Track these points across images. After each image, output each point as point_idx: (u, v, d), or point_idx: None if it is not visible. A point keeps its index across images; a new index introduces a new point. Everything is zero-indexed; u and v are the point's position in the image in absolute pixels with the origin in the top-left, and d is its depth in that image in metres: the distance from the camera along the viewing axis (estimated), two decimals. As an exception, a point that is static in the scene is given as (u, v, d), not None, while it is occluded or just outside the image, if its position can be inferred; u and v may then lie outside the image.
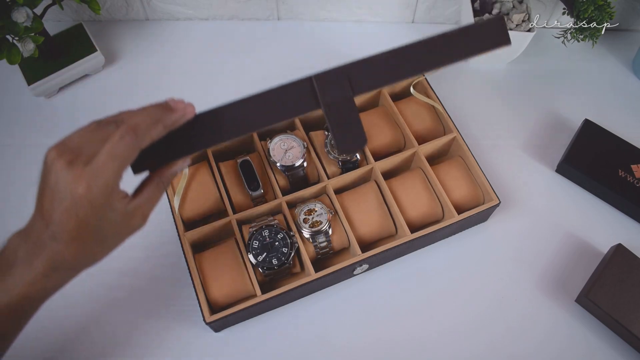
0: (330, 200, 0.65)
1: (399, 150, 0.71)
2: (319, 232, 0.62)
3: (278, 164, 0.65)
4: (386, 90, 0.71)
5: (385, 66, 0.51)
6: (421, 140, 0.69)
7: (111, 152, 0.37)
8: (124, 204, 0.39)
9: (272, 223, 0.62)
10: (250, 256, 0.60)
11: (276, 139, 0.66)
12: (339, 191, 0.67)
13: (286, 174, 0.65)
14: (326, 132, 0.68)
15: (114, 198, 0.38)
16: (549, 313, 0.65)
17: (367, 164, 0.67)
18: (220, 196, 0.65)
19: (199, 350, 0.62)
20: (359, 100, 0.71)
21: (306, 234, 0.62)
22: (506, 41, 0.50)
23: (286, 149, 0.66)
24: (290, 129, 0.69)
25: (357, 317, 0.64)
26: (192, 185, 0.65)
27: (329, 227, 0.63)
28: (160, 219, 0.68)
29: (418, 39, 0.49)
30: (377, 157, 0.68)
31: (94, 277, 0.66)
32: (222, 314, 0.57)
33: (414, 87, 0.72)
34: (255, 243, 0.61)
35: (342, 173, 0.67)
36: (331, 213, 0.63)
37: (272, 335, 0.63)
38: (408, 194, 0.66)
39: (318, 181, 0.67)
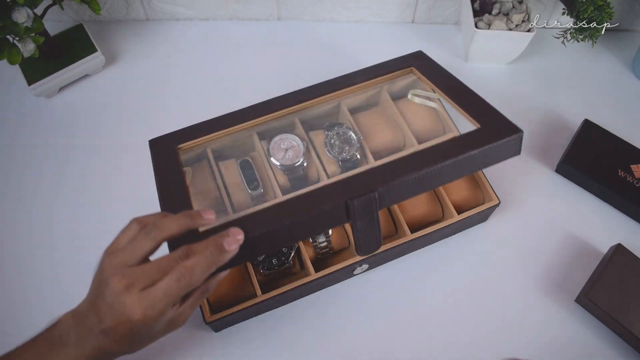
0: None
1: (399, 150, 0.71)
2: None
3: (278, 164, 0.65)
4: (386, 90, 0.71)
5: (412, 185, 0.56)
6: (421, 139, 0.69)
7: (167, 290, 0.41)
8: (171, 312, 0.43)
9: None
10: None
11: (276, 138, 0.66)
12: None
13: (286, 173, 0.66)
14: (326, 132, 0.68)
15: (165, 315, 0.42)
16: (549, 313, 0.65)
17: (367, 164, 0.67)
18: (220, 196, 0.65)
19: (199, 350, 0.62)
20: (358, 100, 0.71)
21: None
22: (518, 152, 0.57)
23: (286, 148, 0.66)
24: (290, 128, 0.69)
25: (357, 316, 0.64)
26: (191, 184, 0.65)
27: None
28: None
29: (444, 155, 0.53)
30: (377, 156, 0.68)
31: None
32: (222, 314, 0.58)
33: (412, 89, 0.72)
34: None
35: (341, 172, 0.67)
36: None
37: (272, 335, 0.63)
38: (410, 201, 0.66)
39: (318, 181, 0.67)
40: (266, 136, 0.68)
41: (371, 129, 0.70)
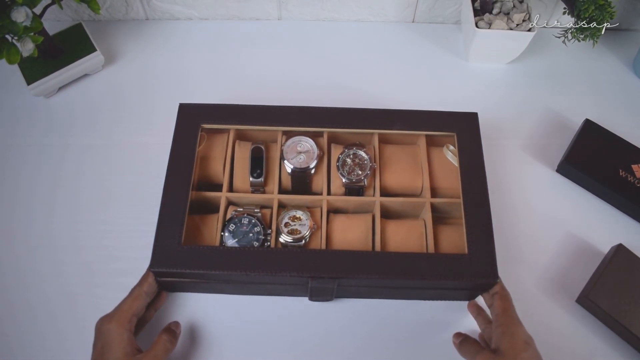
0: (321, 216, 0.64)
1: (412, 195, 0.67)
2: (294, 241, 0.61)
3: (288, 164, 0.65)
4: (424, 134, 0.68)
5: (369, 287, 0.61)
6: (437, 194, 0.66)
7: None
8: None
9: (255, 214, 0.62)
10: (223, 236, 0.61)
11: (295, 139, 0.66)
12: (335, 211, 0.66)
13: (291, 175, 0.65)
14: (344, 149, 0.66)
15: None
16: (549, 313, 0.65)
17: (374, 196, 0.65)
18: (223, 171, 0.66)
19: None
20: (395, 134, 0.69)
21: (282, 238, 0.61)
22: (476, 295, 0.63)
23: (300, 151, 0.66)
24: (315, 133, 0.67)
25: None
26: (202, 151, 0.67)
27: (306, 240, 0.62)
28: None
29: (417, 273, 0.57)
30: (387, 193, 0.66)
31: (97, 278, 0.66)
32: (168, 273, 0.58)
33: (447, 147, 0.68)
34: (232, 226, 0.61)
35: (345, 194, 0.66)
36: (314, 228, 0.62)
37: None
38: (397, 239, 0.63)
39: (321, 193, 0.66)
40: (288, 132, 0.68)
41: (393, 164, 0.67)
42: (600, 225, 0.71)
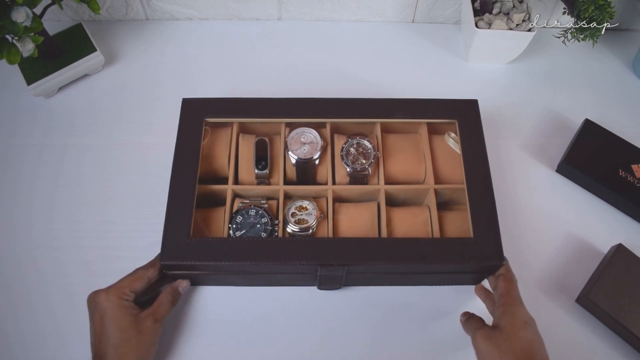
0: (327, 205, 0.64)
1: (416, 183, 0.68)
2: (301, 230, 0.62)
3: (292, 155, 0.65)
4: (425, 122, 0.68)
5: (377, 274, 0.62)
6: (440, 180, 0.67)
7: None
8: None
9: (262, 205, 0.63)
10: (231, 228, 0.61)
11: (298, 130, 0.66)
12: (340, 200, 0.66)
13: (295, 166, 0.65)
14: (347, 139, 0.67)
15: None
16: (549, 313, 0.65)
17: (378, 184, 0.66)
18: (228, 164, 0.66)
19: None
20: (396, 123, 0.69)
21: (289, 228, 0.62)
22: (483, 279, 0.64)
23: (304, 142, 0.66)
24: (318, 124, 0.68)
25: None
26: (206, 145, 0.67)
27: (313, 230, 0.62)
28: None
29: (426, 258, 0.58)
30: (391, 181, 0.67)
31: (97, 278, 0.66)
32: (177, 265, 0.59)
33: (449, 134, 0.68)
34: (239, 218, 0.62)
35: (350, 183, 0.66)
36: (320, 217, 0.63)
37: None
38: (403, 226, 0.64)
39: (326, 183, 0.66)
40: (291, 124, 0.68)
41: (396, 153, 0.68)
42: (600, 225, 0.71)
